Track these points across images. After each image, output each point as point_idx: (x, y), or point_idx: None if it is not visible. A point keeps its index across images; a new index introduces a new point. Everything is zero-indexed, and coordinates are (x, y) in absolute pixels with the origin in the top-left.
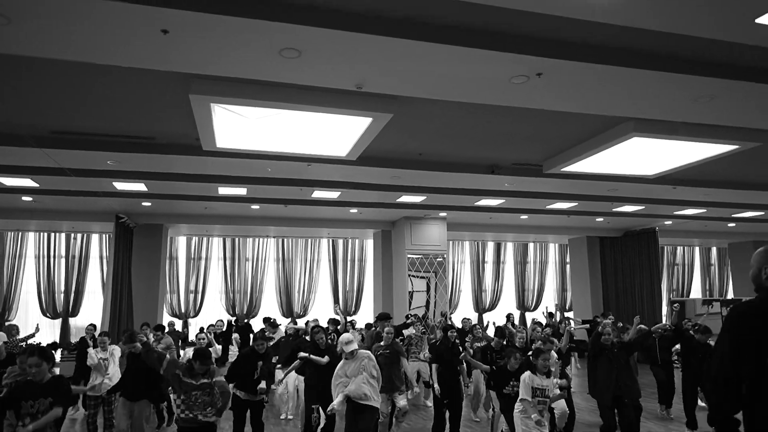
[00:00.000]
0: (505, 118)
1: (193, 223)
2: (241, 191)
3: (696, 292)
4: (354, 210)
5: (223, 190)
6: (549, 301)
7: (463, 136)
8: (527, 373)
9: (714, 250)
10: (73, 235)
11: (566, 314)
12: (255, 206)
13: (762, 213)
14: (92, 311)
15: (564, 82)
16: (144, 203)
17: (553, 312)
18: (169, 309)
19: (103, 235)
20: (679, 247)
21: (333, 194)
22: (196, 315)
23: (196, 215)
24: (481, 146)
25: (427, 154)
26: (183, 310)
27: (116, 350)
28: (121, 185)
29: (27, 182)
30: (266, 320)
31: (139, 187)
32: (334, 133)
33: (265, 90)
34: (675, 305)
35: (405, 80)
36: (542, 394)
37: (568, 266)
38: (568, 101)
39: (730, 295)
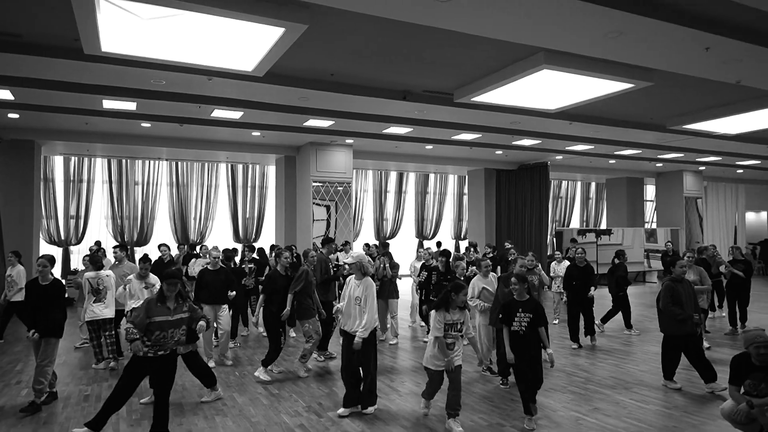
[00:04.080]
0: (422, 42)
1: (72, 141)
2: (129, 106)
3: (575, 222)
4: (257, 133)
5: (109, 104)
6: (446, 230)
7: (377, 58)
8: (433, 311)
9: (593, 185)
10: None
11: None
12: (146, 124)
13: (639, 151)
14: None
15: (487, 4)
16: (10, 115)
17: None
18: (46, 236)
19: None
20: (564, 181)
21: (235, 114)
22: (78, 242)
23: (75, 132)
24: (395, 70)
25: (339, 75)
26: (63, 237)
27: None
28: None
29: None
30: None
31: (3, 94)
32: (240, 44)
33: None
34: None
35: None
36: (454, 328)
37: (465, 197)
38: (489, 25)
39: (603, 226)
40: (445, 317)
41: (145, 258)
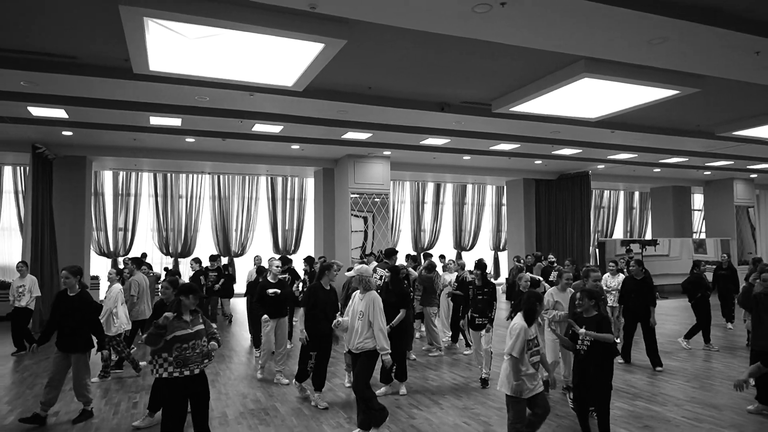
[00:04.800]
0: (460, 53)
1: (120, 156)
2: (175, 122)
3: (618, 233)
4: (296, 146)
5: (155, 120)
6: (485, 241)
7: (415, 71)
8: (520, 324)
9: (637, 194)
10: None
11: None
12: (190, 139)
13: (685, 159)
14: (10, 249)
15: (526, 14)
16: (64, 132)
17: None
18: (96, 247)
19: (18, 167)
20: (606, 191)
21: (275, 128)
22: (126, 253)
23: (124, 147)
24: (433, 82)
25: (377, 88)
26: (112, 249)
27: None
28: (37, 111)
29: None
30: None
31: (59, 113)
32: (281, 60)
33: (207, 5)
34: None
35: (362, 2)
36: (534, 344)
37: (503, 207)
38: (528, 35)
39: (648, 237)
40: (529, 332)
41: (171, 272)
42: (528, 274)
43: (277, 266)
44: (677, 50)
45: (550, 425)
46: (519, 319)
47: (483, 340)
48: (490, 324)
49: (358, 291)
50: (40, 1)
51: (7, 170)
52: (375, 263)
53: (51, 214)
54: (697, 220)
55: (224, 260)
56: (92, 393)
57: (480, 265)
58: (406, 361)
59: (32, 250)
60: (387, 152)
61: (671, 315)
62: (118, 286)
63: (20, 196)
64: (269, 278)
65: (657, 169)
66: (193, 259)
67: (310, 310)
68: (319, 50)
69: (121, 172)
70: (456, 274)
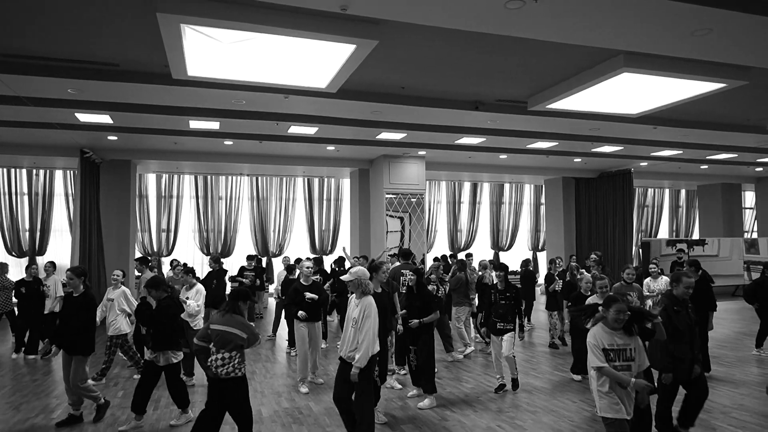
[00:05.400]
0: (493, 51)
1: (163, 159)
2: (213, 125)
3: (663, 232)
4: (331, 147)
5: (195, 124)
6: (523, 241)
7: (448, 69)
8: (595, 330)
9: (683, 192)
10: (35, 171)
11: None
12: (228, 142)
13: (734, 155)
14: (60, 250)
15: (560, 9)
16: (110, 137)
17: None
18: (141, 248)
19: (68, 171)
20: (650, 189)
21: (310, 130)
22: (169, 254)
23: (166, 151)
24: (466, 81)
25: (410, 88)
26: (155, 249)
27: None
28: (84, 117)
29: None
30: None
31: (104, 119)
32: (314, 62)
33: (241, 10)
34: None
35: (393, 2)
36: (622, 356)
37: (542, 207)
38: (563, 30)
39: (695, 236)
40: (604, 340)
41: (190, 269)
42: (588, 275)
43: (308, 267)
44: (722, 42)
45: (571, 423)
46: (594, 328)
47: (505, 346)
48: (521, 331)
49: (354, 296)
50: (84, 12)
51: (59, 174)
52: (398, 263)
53: (98, 216)
54: (749, 218)
55: (263, 261)
56: (95, 391)
57: (502, 266)
58: (434, 373)
59: (80, 251)
60: (422, 152)
61: (721, 318)
62: (124, 289)
63: (70, 198)
64: (302, 281)
65: (704, 166)
66: (212, 258)
67: None
68: (352, 51)
69: (163, 175)
70: (479, 274)
